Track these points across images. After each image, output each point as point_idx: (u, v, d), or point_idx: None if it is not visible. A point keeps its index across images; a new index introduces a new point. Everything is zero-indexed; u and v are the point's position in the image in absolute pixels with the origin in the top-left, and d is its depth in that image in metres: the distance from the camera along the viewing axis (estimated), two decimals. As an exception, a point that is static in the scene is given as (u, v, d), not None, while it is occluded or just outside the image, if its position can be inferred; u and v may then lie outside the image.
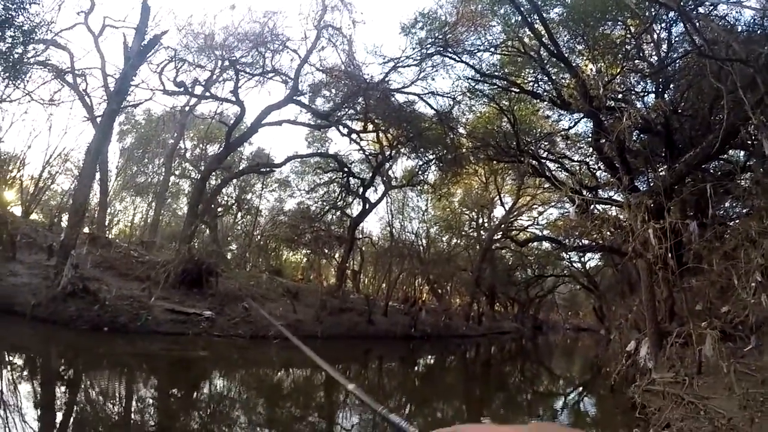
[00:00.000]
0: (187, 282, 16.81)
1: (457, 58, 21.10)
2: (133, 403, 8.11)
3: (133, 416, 7.31)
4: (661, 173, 16.57)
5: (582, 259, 37.39)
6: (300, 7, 65.38)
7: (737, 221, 12.75)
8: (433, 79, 27.58)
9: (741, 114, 10.20)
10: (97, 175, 20.36)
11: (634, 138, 19.05)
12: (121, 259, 16.77)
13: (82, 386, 8.52)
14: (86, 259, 14.91)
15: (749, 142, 12.75)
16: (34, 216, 21.57)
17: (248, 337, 16.19)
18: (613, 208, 16.95)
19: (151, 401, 8.42)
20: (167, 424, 7.02)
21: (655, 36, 16.72)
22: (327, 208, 30.17)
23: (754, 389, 7.54)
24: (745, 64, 9.76)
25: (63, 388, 8.03)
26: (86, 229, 18.65)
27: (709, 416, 7.63)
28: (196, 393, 9.60)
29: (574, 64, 17.37)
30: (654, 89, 18.12)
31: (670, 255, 10.51)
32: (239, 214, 32.37)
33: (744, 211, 13.66)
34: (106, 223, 26.38)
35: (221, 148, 23.98)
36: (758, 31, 13.62)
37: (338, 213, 30.59)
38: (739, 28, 14.19)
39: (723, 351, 8.91)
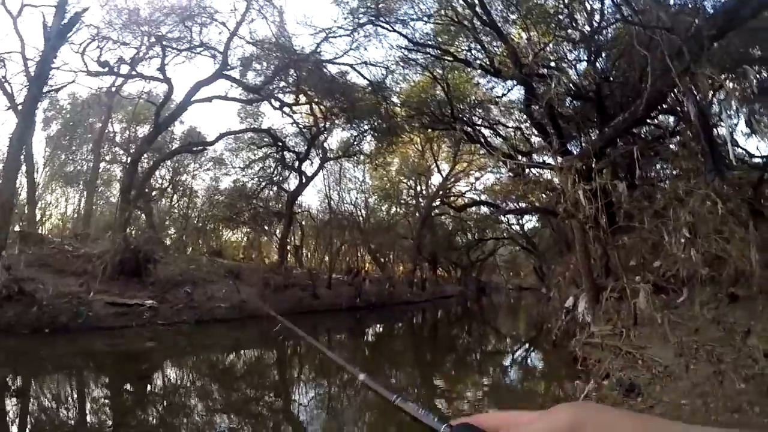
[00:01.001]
0: (126, 272, 16.30)
1: (390, 28, 20.93)
2: (85, 404, 7.92)
3: (87, 418, 7.14)
4: (592, 137, 17.09)
5: (520, 221, 38.48)
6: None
7: (667, 182, 13.32)
8: (366, 49, 27.44)
9: (668, 81, 10.60)
10: (24, 168, 19.37)
11: (567, 104, 19.57)
12: (56, 255, 16.05)
13: (31, 393, 8.23)
14: (19, 259, 14.21)
15: (678, 108, 13.29)
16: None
17: (194, 323, 15.98)
18: (547, 171, 17.42)
19: (102, 400, 8.24)
20: (121, 421, 6.90)
21: (588, 6, 16.99)
22: (264, 184, 29.69)
23: (687, 337, 7.96)
24: (670, 32, 10.11)
25: (11, 399, 7.72)
26: (17, 227, 17.74)
27: (647, 365, 8.05)
28: (148, 386, 9.45)
29: (507, 33, 17.57)
30: (586, 57, 18.49)
31: (601, 214, 11.01)
32: (175, 197, 31.46)
33: (674, 172, 14.33)
34: (38, 218, 25.16)
35: (151, 129, 23.13)
36: (689, 5, 14.13)
37: (275, 188, 30.22)
38: (672, 1, 14.66)
39: (656, 303, 9.42)
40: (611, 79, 17.45)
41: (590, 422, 0.50)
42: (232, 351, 13.69)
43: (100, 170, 29.36)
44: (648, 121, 19.12)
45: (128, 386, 9.35)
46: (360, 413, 8.06)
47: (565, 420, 0.51)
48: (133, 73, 21.86)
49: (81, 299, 13.66)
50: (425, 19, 20.26)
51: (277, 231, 29.49)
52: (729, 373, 5.94)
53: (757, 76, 13.16)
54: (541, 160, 19.43)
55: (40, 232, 22.26)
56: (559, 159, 15.15)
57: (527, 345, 18.06)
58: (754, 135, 11.65)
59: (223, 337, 15.71)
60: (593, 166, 11.25)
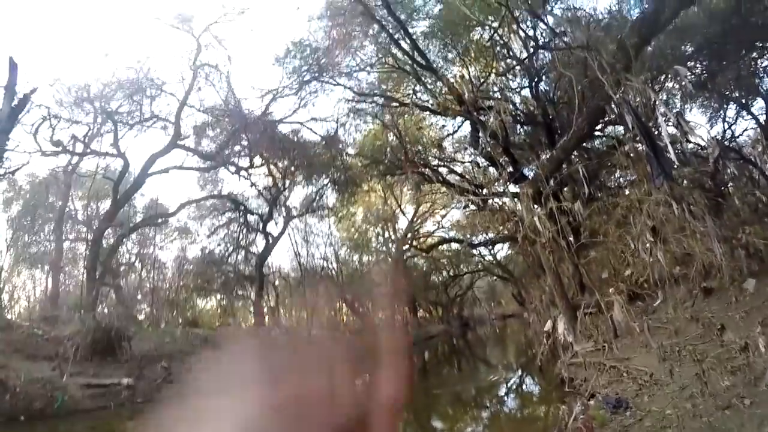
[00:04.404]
0: (99, 351, 15.82)
1: (335, 82, 21.46)
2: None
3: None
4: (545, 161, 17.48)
5: (491, 251, 38.53)
6: (174, 48, 62.86)
7: (627, 190, 13.65)
8: (314, 105, 27.64)
9: (603, 94, 11.01)
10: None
11: (519, 131, 19.95)
12: (25, 339, 15.58)
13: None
14: (-13, 346, 13.81)
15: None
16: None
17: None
18: (511, 199, 17.61)
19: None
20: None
21: (522, 33, 17.52)
22: (231, 249, 29.38)
23: (668, 341, 8.00)
24: (589, 49, 10.62)
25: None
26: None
27: (632, 376, 8.02)
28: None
29: (452, 72, 18.11)
30: (527, 83, 19.01)
31: (561, 235, 11.19)
32: (143, 270, 30.80)
33: (630, 179, 14.73)
34: (5, 303, 24.33)
35: (111, 205, 22.79)
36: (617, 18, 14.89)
37: (243, 252, 29.92)
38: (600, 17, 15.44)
39: (633, 312, 9.54)
40: (555, 100, 17.98)
41: None
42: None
43: (64, 249, 28.44)
44: (600, 134, 19.64)
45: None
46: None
47: None
48: (88, 150, 21.68)
49: (55, 383, 13.23)
50: (368, 69, 20.86)
51: (252, 294, 29.07)
52: (713, 370, 5.90)
53: (688, 74, 13.79)
54: (500, 190, 19.63)
55: (8, 317, 21.54)
56: (514, 187, 15.44)
57: (517, 372, 18.02)
58: (684, 137, 12.11)
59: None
60: (547, 188, 11.57)
